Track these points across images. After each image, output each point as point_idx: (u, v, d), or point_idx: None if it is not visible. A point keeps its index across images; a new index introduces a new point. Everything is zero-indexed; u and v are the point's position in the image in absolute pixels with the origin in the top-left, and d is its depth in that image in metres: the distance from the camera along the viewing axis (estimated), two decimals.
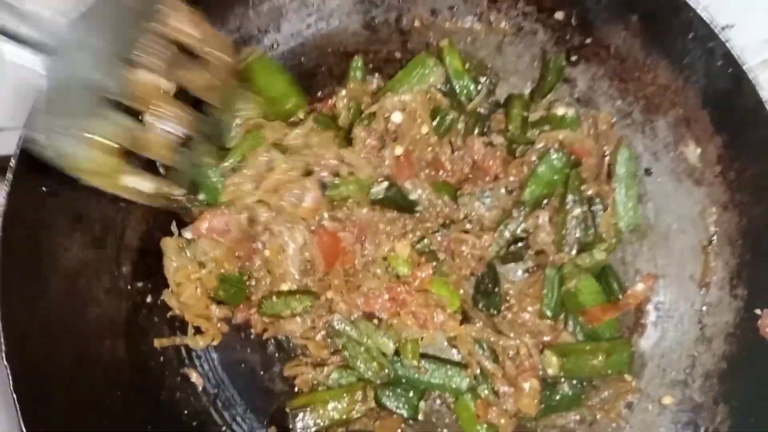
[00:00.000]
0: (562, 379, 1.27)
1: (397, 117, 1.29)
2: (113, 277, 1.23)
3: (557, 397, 1.27)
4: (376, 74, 1.38)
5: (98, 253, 1.20)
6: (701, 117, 1.24)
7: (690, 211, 1.29)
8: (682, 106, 1.26)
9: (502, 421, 1.26)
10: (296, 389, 1.33)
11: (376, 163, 1.28)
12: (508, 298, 1.33)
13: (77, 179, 1.01)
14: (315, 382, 1.30)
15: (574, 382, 1.27)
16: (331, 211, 1.28)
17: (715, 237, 1.26)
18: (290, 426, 1.23)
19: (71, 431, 1.07)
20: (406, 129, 1.29)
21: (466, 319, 1.29)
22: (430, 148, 1.33)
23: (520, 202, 1.29)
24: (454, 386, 1.27)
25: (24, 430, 0.99)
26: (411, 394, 1.28)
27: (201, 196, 1.25)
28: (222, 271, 1.27)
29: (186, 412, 1.28)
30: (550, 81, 1.36)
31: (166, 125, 1.04)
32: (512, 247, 1.32)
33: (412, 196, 1.29)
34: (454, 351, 1.33)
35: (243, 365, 1.34)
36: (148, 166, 1.25)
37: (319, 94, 1.40)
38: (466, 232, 1.31)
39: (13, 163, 1.04)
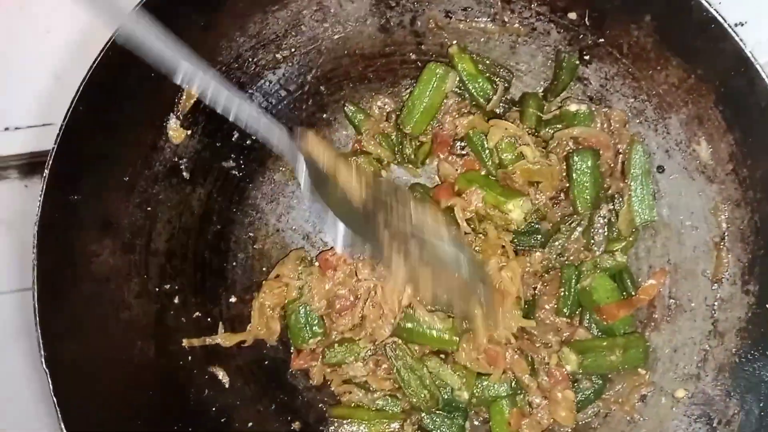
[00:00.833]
0: (580, 376, 1.30)
1: None
2: (142, 281, 1.26)
3: (580, 396, 1.30)
4: (380, 97, 1.42)
5: (127, 258, 1.23)
6: (714, 115, 1.24)
7: (702, 207, 1.30)
8: (694, 104, 1.27)
9: None
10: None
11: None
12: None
13: (105, 186, 1.06)
14: (360, 403, 1.34)
15: (593, 378, 1.31)
16: None
17: (727, 233, 1.28)
18: (321, 428, 1.29)
19: None
20: None
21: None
22: None
23: (574, 213, 1.35)
24: (493, 394, 1.30)
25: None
26: (455, 415, 1.33)
27: None
28: (308, 305, 1.34)
29: (214, 409, 1.32)
30: (564, 80, 1.37)
31: None
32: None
33: None
34: None
35: (267, 362, 1.38)
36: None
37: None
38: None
39: (45, 173, 1.08)
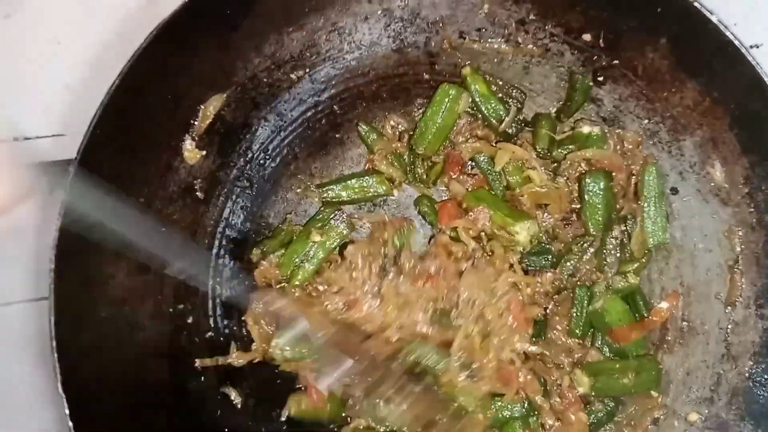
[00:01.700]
0: (592, 398, 1.30)
1: None
2: (156, 302, 1.26)
3: (592, 418, 1.30)
4: (393, 117, 1.42)
5: (142, 279, 1.23)
6: (728, 137, 1.24)
7: (716, 230, 1.30)
8: (709, 126, 1.27)
9: None
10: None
11: None
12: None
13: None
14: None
15: (605, 400, 1.30)
16: None
17: (741, 256, 1.28)
18: None
19: None
20: None
21: None
22: None
23: (586, 234, 1.35)
24: (507, 415, 1.30)
25: None
26: None
27: None
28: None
29: (226, 429, 1.32)
30: (577, 101, 1.37)
31: None
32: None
33: None
34: None
35: (279, 381, 1.38)
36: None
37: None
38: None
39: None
